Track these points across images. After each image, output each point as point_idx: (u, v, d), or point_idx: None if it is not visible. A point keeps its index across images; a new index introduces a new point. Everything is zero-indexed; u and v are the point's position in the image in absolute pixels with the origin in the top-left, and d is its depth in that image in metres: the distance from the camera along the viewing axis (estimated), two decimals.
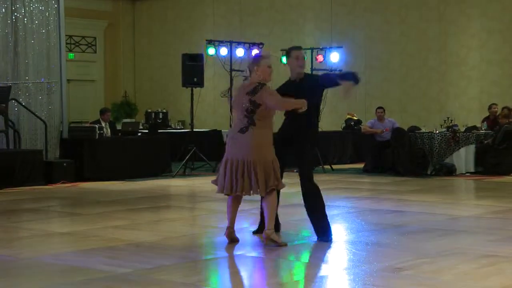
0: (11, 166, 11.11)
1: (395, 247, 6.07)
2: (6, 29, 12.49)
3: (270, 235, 6.00)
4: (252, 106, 5.90)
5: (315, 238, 6.49)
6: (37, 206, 9.08)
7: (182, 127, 18.28)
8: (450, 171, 12.51)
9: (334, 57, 14.44)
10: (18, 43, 12.60)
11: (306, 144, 6.35)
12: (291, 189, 10.96)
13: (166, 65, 19.84)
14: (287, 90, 6.26)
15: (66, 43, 14.88)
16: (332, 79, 6.55)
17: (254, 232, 6.68)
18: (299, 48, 6.54)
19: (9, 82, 12.34)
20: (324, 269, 5.41)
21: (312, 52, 14.53)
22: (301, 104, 6.00)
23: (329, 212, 8.34)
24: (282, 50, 15.40)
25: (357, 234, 6.83)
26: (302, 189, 6.39)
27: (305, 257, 6.01)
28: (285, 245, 6.10)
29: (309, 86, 6.33)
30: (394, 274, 5.06)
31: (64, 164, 11.75)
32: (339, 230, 7.34)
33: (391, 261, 5.45)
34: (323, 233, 6.37)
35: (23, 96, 12.52)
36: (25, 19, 12.69)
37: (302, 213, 8.30)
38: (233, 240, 6.20)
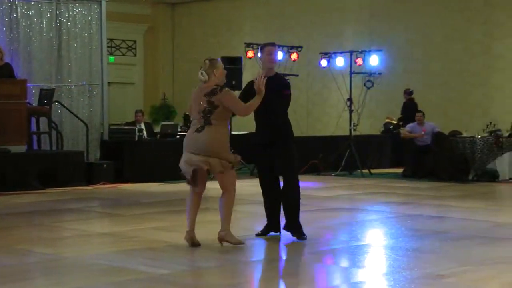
0: (53, 167, 11.30)
1: (436, 254, 5.99)
2: (51, 33, 12.71)
3: (224, 237, 6.15)
4: (209, 107, 6.02)
5: (353, 242, 6.47)
6: (78, 206, 9.20)
7: None
8: (493, 177, 12.31)
9: (374, 60, 14.32)
10: (61, 46, 12.82)
11: (291, 146, 6.53)
12: (327, 192, 10.94)
13: None
14: (252, 88, 6.26)
15: (107, 47, 15.03)
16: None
17: (258, 234, 6.72)
18: (272, 44, 6.67)
19: (53, 84, 12.56)
20: (363, 275, 5.37)
21: (351, 55, 14.44)
22: (259, 99, 6.10)
23: (368, 216, 8.34)
24: (320, 53, 15.39)
25: (397, 240, 6.77)
26: (286, 188, 6.53)
27: (343, 261, 5.98)
28: (242, 243, 6.17)
29: (278, 86, 6.47)
30: (436, 281, 5.00)
31: (104, 165, 11.89)
32: (378, 235, 7.29)
33: (433, 268, 5.39)
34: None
35: (65, 99, 12.73)
36: (69, 23, 12.90)
37: (339, 216, 8.28)
38: (194, 243, 6.19)
